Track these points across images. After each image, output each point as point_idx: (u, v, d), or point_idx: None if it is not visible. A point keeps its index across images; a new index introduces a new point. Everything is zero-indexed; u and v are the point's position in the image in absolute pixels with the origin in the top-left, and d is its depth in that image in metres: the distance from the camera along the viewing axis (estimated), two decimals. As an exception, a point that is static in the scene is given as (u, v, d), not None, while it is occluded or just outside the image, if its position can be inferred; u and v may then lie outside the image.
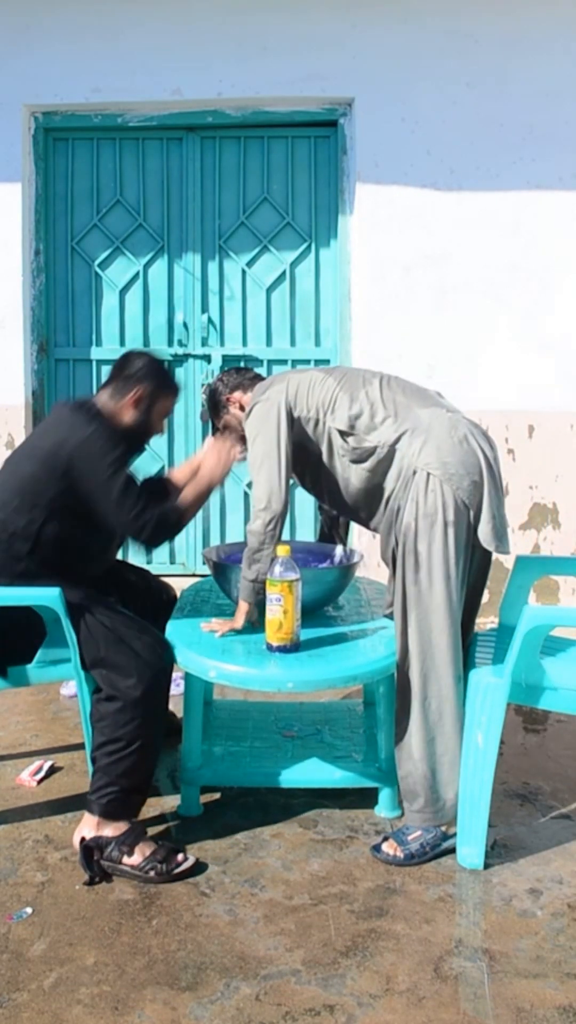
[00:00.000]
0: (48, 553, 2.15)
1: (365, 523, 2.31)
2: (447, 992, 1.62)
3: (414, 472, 2.08)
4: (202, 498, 2.27)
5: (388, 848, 2.05)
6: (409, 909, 1.87)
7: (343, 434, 2.17)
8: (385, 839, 2.08)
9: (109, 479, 2.08)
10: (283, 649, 2.07)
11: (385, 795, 2.24)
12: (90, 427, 2.10)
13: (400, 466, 2.12)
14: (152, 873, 1.95)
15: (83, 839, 2.00)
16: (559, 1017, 1.56)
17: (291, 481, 2.21)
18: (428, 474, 2.06)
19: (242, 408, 2.35)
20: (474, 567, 2.17)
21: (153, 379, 2.25)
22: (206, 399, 2.48)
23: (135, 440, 2.28)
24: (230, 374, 2.45)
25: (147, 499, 2.14)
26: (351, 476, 2.20)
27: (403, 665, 2.08)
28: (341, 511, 2.38)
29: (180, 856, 2.00)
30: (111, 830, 2.01)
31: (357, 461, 2.17)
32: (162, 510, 2.16)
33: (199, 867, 2.01)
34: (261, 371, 4.15)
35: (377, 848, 2.07)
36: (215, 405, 2.44)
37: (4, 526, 2.13)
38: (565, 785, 2.43)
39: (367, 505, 2.25)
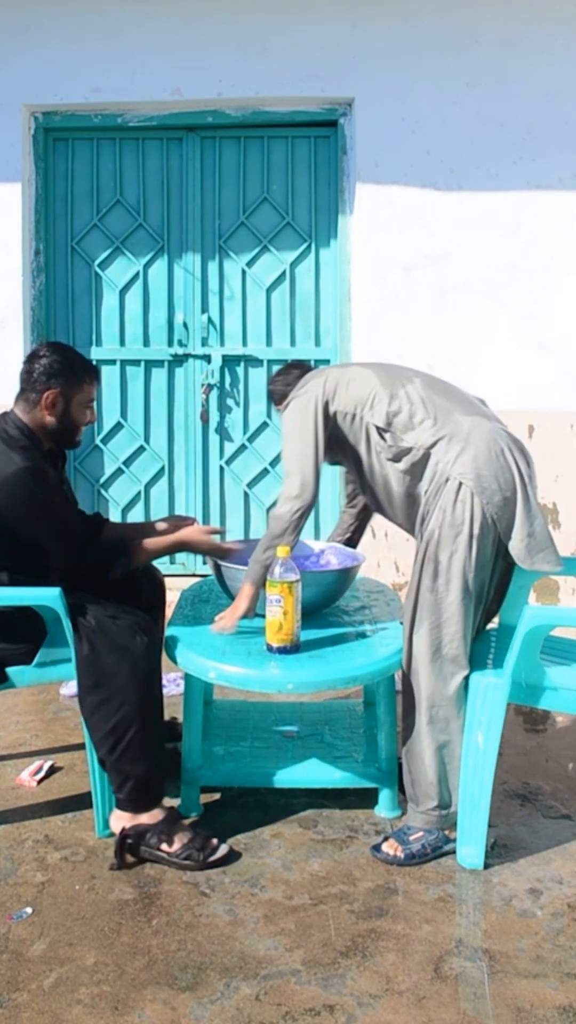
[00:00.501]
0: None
1: (402, 525, 2.29)
2: (447, 992, 1.62)
3: (447, 479, 2.05)
4: (159, 552, 2.29)
5: (388, 848, 2.05)
6: (409, 909, 1.87)
7: (380, 431, 2.14)
8: (385, 839, 2.07)
9: (39, 522, 2.09)
10: (283, 650, 2.07)
11: (385, 795, 2.24)
12: (8, 467, 2.05)
13: (434, 471, 2.08)
14: (189, 861, 1.99)
15: (123, 828, 2.03)
16: (559, 1017, 1.56)
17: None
18: (460, 483, 2.02)
19: None
20: (494, 581, 2.15)
21: (60, 376, 2.16)
22: (270, 397, 2.53)
23: (65, 439, 2.24)
24: (286, 373, 2.46)
25: (89, 530, 2.18)
26: (389, 474, 2.17)
27: (410, 669, 2.07)
28: (381, 511, 2.33)
29: (215, 842, 2.04)
30: (148, 818, 2.04)
31: (393, 460, 2.15)
32: (98, 546, 2.21)
33: (232, 856, 2.04)
34: (261, 371, 4.18)
35: (377, 848, 2.06)
36: (277, 402, 2.46)
37: None
38: (565, 785, 2.43)
39: (402, 506, 2.21)
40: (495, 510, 2.02)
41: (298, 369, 2.46)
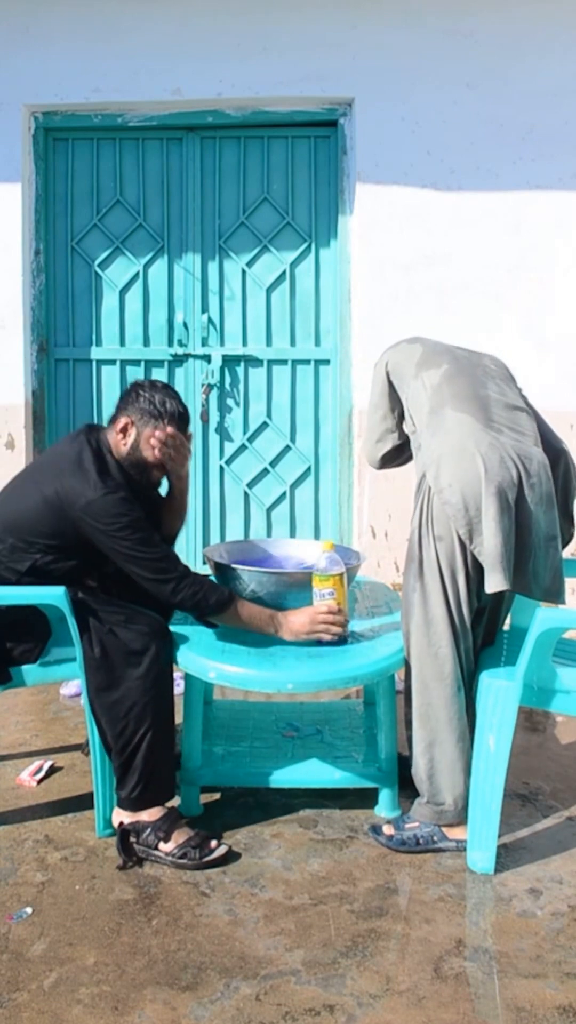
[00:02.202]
0: (36, 578, 2.15)
1: None
2: (447, 992, 1.62)
3: (423, 474, 2.06)
4: (251, 619, 2.14)
5: (386, 830, 2.10)
6: (409, 909, 1.87)
7: (408, 410, 2.18)
8: (387, 822, 2.12)
9: (120, 544, 2.04)
10: (334, 642, 2.11)
11: (385, 795, 2.24)
12: (95, 491, 2.04)
13: (420, 462, 2.09)
14: (185, 860, 1.99)
15: (121, 823, 2.04)
16: (559, 1017, 1.56)
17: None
18: (430, 483, 2.03)
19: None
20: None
21: (138, 407, 2.17)
22: None
23: (137, 472, 2.20)
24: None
25: (175, 563, 2.11)
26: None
27: (407, 665, 2.08)
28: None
29: (213, 843, 2.03)
30: (147, 815, 2.04)
31: (413, 439, 2.19)
32: (206, 589, 2.10)
33: (231, 856, 2.04)
34: (261, 371, 4.18)
35: (376, 829, 2.11)
36: None
37: None
38: (565, 785, 2.43)
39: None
40: (452, 512, 1.95)
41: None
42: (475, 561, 1.98)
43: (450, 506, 1.96)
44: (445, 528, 1.99)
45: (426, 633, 2.02)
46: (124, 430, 2.18)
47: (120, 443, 2.19)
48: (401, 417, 2.28)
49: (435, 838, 2.06)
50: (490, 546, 1.91)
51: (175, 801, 2.17)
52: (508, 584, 1.91)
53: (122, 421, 2.18)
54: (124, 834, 2.03)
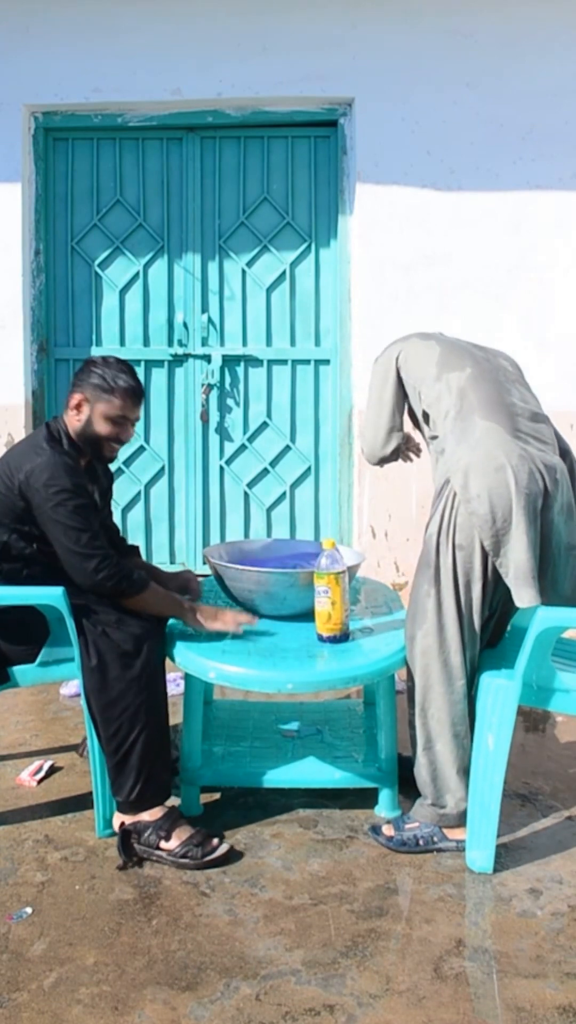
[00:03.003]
0: (18, 568, 2.16)
1: None
2: (447, 992, 1.62)
3: (447, 480, 2.02)
4: (159, 605, 2.17)
5: (386, 830, 2.10)
6: (409, 909, 1.87)
7: (424, 412, 2.15)
8: (387, 822, 2.12)
9: (55, 507, 2.05)
10: (333, 640, 2.10)
11: (385, 795, 2.24)
12: (41, 456, 2.08)
13: (444, 468, 2.05)
14: (187, 859, 1.99)
15: (123, 823, 2.04)
16: (559, 1017, 1.56)
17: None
18: (455, 491, 1.99)
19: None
20: (499, 593, 2.06)
21: (90, 383, 2.19)
22: None
23: (91, 447, 2.23)
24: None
25: (103, 540, 2.10)
26: (432, 456, 2.17)
27: (409, 668, 2.07)
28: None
29: (215, 841, 2.03)
30: (148, 815, 2.04)
31: (428, 441, 2.16)
32: (126, 570, 2.09)
33: (233, 854, 2.04)
34: (261, 371, 4.18)
35: (376, 829, 2.11)
36: None
37: None
38: (565, 785, 2.43)
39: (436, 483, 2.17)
40: (479, 523, 1.94)
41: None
42: (494, 571, 1.99)
43: (478, 516, 1.95)
44: (467, 537, 1.97)
45: (437, 640, 2.01)
46: (78, 406, 2.21)
47: (75, 419, 2.21)
48: (405, 414, 2.26)
49: (435, 838, 2.06)
50: (520, 561, 1.92)
51: (174, 801, 2.17)
52: (539, 600, 1.92)
53: (76, 398, 2.21)
54: (125, 835, 2.02)
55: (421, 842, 2.06)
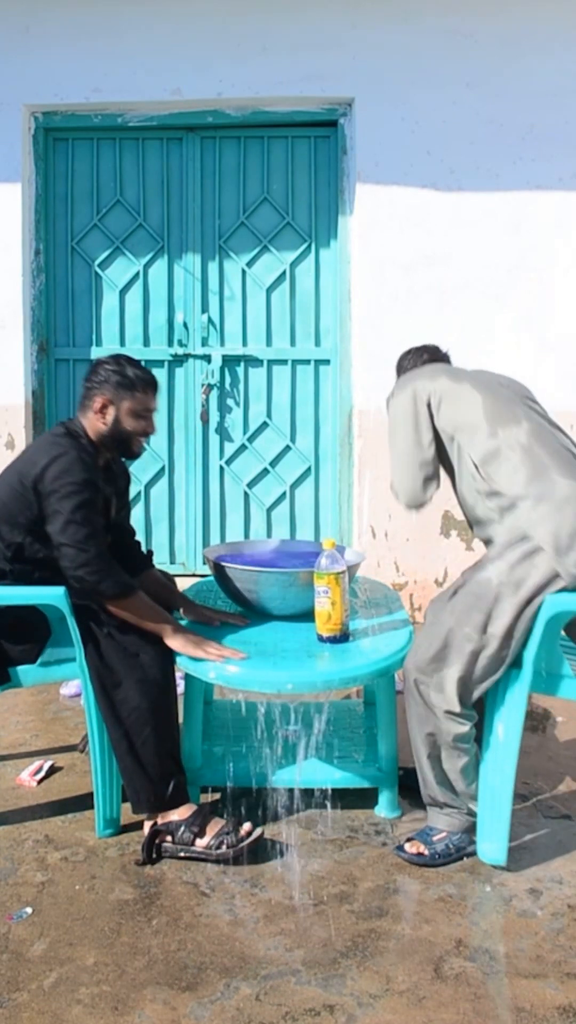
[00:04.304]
0: (28, 569, 2.15)
1: (467, 518, 2.23)
2: (447, 992, 1.62)
3: (523, 537, 1.98)
4: (143, 616, 2.09)
5: (412, 848, 2.04)
6: (409, 909, 1.87)
7: (475, 464, 2.08)
8: (409, 840, 2.06)
9: (61, 499, 2.04)
10: (333, 640, 2.10)
11: (385, 795, 2.24)
12: (57, 450, 2.08)
13: (515, 523, 2.01)
14: (223, 848, 1.99)
15: (154, 823, 2.04)
16: (559, 1017, 1.56)
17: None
18: (538, 547, 1.95)
19: None
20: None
21: (111, 383, 2.19)
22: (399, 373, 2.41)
23: (120, 447, 2.25)
24: (418, 355, 2.40)
25: (101, 539, 2.07)
26: (476, 503, 2.11)
27: (425, 698, 2.01)
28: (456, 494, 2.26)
29: (247, 826, 2.04)
30: (177, 814, 2.04)
31: (481, 494, 2.09)
32: (115, 572, 2.05)
33: (263, 841, 2.05)
34: (261, 371, 4.18)
35: (400, 848, 2.05)
36: None
37: None
38: (565, 785, 2.43)
39: (475, 520, 2.16)
40: (573, 581, 1.93)
41: (428, 353, 2.40)
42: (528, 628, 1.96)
43: (571, 577, 1.93)
44: (533, 595, 1.94)
45: (466, 684, 1.97)
46: (103, 409, 2.20)
47: (99, 422, 2.20)
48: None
49: (465, 844, 2.04)
50: None
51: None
52: None
53: (99, 400, 2.19)
54: (154, 834, 2.02)
55: (455, 850, 2.03)
